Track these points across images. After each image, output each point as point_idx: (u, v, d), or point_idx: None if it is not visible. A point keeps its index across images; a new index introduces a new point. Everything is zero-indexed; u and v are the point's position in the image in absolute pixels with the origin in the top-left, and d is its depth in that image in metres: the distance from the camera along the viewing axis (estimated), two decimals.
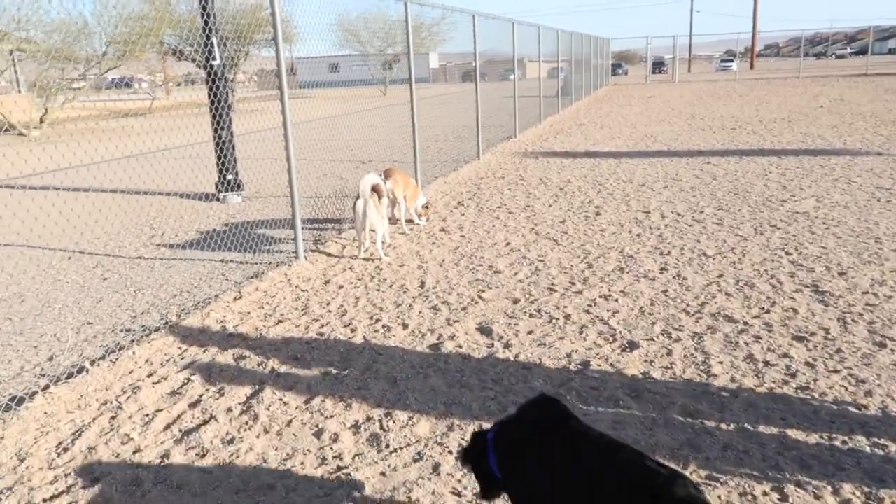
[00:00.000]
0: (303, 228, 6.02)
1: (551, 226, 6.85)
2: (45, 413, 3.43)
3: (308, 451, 3.02)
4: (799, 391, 3.34)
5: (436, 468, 2.84)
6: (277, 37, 5.54)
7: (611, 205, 7.65)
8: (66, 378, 3.74)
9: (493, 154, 12.35)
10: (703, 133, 13.86)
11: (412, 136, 8.56)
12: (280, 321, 4.60)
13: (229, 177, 8.81)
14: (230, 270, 5.82)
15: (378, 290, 5.14)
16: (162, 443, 3.14)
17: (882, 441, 2.88)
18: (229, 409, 3.42)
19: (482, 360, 3.84)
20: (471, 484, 2.70)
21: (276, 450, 3.04)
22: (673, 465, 2.78)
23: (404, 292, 5.08)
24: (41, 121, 19.94)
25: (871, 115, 15.50)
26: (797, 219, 6.60)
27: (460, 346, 4.03)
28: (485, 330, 4.27)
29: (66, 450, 3.12)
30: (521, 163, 11.22)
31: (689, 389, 3.40)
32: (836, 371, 3.52)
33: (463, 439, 3.04)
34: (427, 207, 7.25)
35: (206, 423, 3.30)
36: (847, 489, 2.59)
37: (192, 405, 3.48)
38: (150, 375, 3.85)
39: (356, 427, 3.20)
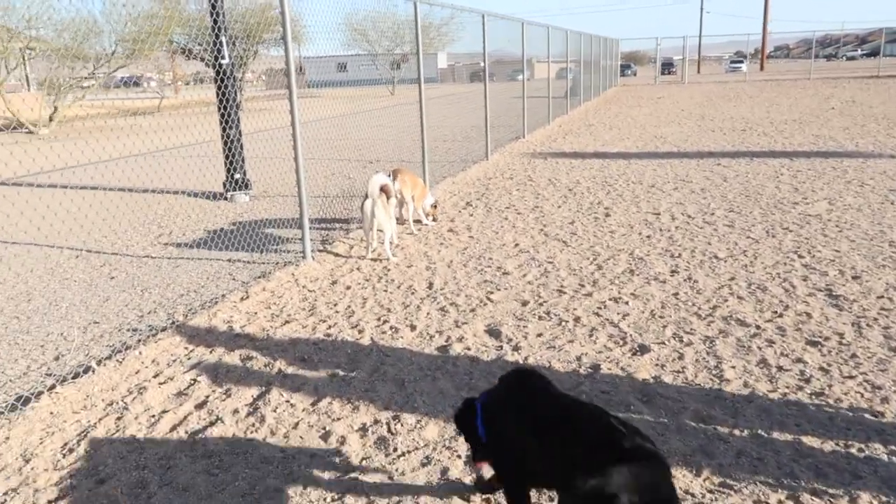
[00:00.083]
0: (310, 228, 5.99)
1: (560, 227, 6.80)
2: (51, 413, 3.40)
3: (315, 454, 2.98)
4: (813, 397, 3.28)
5: (444, 473, 2.81)
6: (287, 36, 5.51)
7: (620, 206, 7.59)
8: (73, 378, 3.71)
9: (502, 154, 12.30)
10: (713, 134, 13.77)
11: (420, 136, 8.52)
12: (287, 322, 4.57)
13: (237, 176, 8.80)
14: (237, 270, 5.80)
15: (386, 291, 5.11)
16: (168, 444, 3.11)
17: None
18: (236, 411, 3.39)
19: (491, 363, 3.79)
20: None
21: (282, 453, 3.00)
22: (684, 470, 2.73)
23: (412, 293, 5.04)
24: (50, 119, 20.01)
25: (884, 117, 15.37)
26: (809, 221, 6.53)
27: (469, 349, 3.99)
28: (493, 332, 4.23)
29: (71, 451, 3.09)
30: (529, 163, 11.17)
31: (701, 394, 3.35)
32: (852, 377, 3.46)
33: None
34: (435, 207, 7.22)
35: (212, 424, 3.27)
36: (864, 498, 2.53)
37: (199, 406, 3.45)
38: (156, 376, 3.82)
39: (363, 430, 3.16)
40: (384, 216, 5.77)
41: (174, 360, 4.01)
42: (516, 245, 6.20)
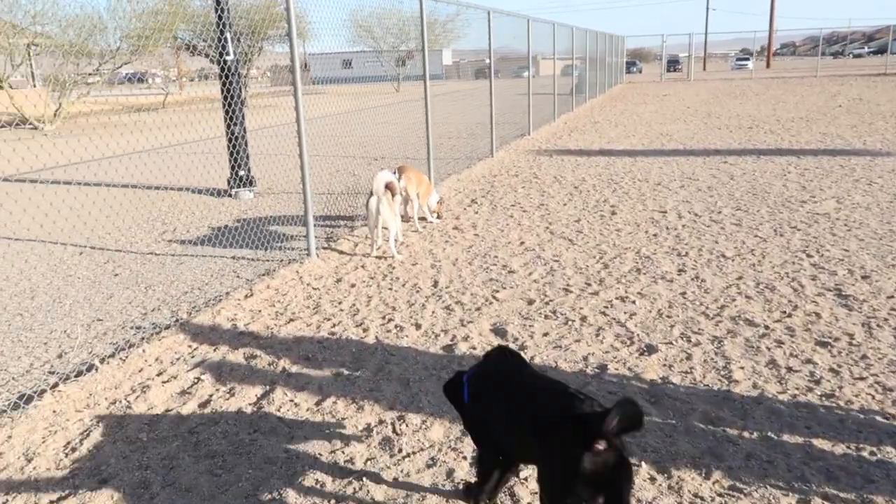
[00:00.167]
0: (315, 225, 5.96)
1: (566, 225, 6.75)
2: (54, 412, 3.38)
3: (319, 454, 2.95)
4: (824, 399, 3.24)
5: (450, 474, 2.77)
6: (292, 32, 5.48)
7: (626, 204, 7.54)
8: (76, 376, 3.69)
9: (507, 152, 12.25)
10: (719, 132, 13.70)
11: (426, 133, 8.48)
12: (291, 320, 4.54)
13: (241, 173, 8.77)
14: (241, 267, 5.77)
15: (391, 289, 5.07)
16: (171, 444, 3.08)
17: None
18: (240, 411, 3.36)
19: None
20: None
21: (286, 453, 2.97)
22: (693, 473, 2.69)
23: (417, 291, 5.00)
24: (55, 115, 20.02)
25: (892, 115, 15.27)
26: (818, 220, 6.47)
27: (474, 348, 3.96)
28: (499, 331, 4.19)
29: (74, 450, 3.07)
30: (535, 161, 11.12)
31: (709, 395, 3.31)
32: (862, 378, 3.41)
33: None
34: (440, 203, 7.18)
35: (215, 424, 3.24)
36: (877, 502, 2.49)
37: (202, 405, 3.43)
38: (159, 374, 3.80)
39: (368, 430, 3.13)
40: (389, 214, 5.74)
41: (178, 359, 3.99)
42: (522, 243, 6.16)
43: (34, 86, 25.60)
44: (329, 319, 4.52)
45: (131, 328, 4.52)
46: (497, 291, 4.92)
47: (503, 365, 2.45)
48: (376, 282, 5.27)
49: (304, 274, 5.49)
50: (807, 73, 40.52)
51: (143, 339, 4.24)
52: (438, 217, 7.19)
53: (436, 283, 5.16)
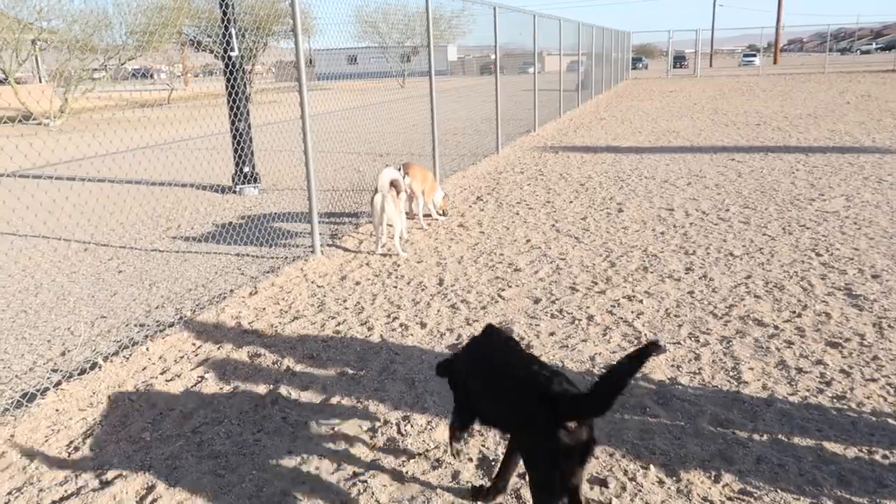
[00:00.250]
0: (319, 222, 5.93)
1: (572, 223, 6.71)
2: (57, 410, 3.36)
3: (323, 455, 2.92)
4: (835, 400, 3.19)
5: (455, 476, 2.74)
6: (297, 28, 5.44)
7: (633, 202, 7.49)
8: (79, 374, 3.67)
9: (513, 148, 12.20)
10: (726, 129, 13.61)
11: (431, 130, 8.43)
12: (296, 318, 4.51)
13: (246, 169, 8.74)
14: (246, 264, 5.75)
15: (395, 287, 5.04)
16: (174, 444, 3.05)
17: None
18: (243, 410, 3.33)
19: None
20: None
21: (290, 453, 2.94)
22: (702, 476, 2.65)
23: (422, 290, 4.97)
24: (61, 110, 20.03)
25: None
26: (827, 218, 6.41)
27: None
28: (505, 330, 4.14)
29: (76, 449, 3.04)
30: (540, 157, 11.06)
31: (718, 397, 3.27)
32: (874, 380, 3.37)
33: (483, 446, 2.94)
34: (445, 198, 7.13)
35: (219, 423, 3.21)
36: None
37: (206, 405, 3.40)
38: (163, 372, 3.77)
39: (373, 430, 3.10)
40: (394, 211, 5.70)
41: (181, 357, 3.96)
42: (528, 241, 6.12)
43: (40, 81, 25.64)
44: (334, 318, 4.49)
45: (135, 326, 4.50)
46: (503, 290, 4.88)
47: (487, 343, 2.61)
48: (381, 280, 5.24)
49: (308, 271, 5.46)
50: (814, 69, 40.28)
51: (146, 336, 4.21)
52: (443, 214, 7.16)
53: (441, 282, 5.12)
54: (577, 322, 4.23)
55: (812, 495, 2.54)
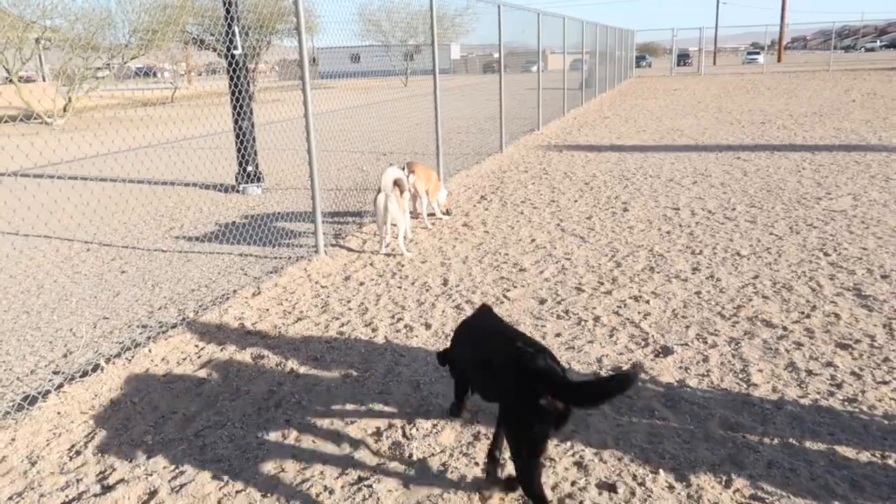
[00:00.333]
0: (323, 222, 5.89)
1: (577, 222, 6.66)
2: (58, 413, 3.33)
3: (327, 459, 2.88)
4: (846, 403, 3.15)
5: (461, 481, 2.70)
6: (300, 26, 5.40)
7: (638, 201, 7.44)
8: (81, 376, 3.64)
9: (517, 147, 12.15)
10: (731, 127, 13.54)
11: (434, 128, 8.39)
12: (299, 319, 4.48)
13: (249, 168, 8.71)
14: (249, 265, 5.71)
15: (400, 288, 5.00)
16: (177, 447, 3.02)
17: None
18: (247, 413, 3.29)
19: None
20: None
21: (294, 458, 2.91)
22: (713, 481, 2.61)
23: (427, 290, 4.93)
24: (64, 109, 20.03)
25: None
26: (834, 217, 6.35)
27: None
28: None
29: (78, 453, 3.01)
30: (544, 156, 11.01)
31: (727, 399, 3.23)
32: (885, 382, 3.32)
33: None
34: (449, 197, 7.08)
35: (222, 427, 3.17)
36: None
37: (209, 407, 3.36)
38: (165, 375, 3.74)
39: (378, 434, 3.06)
40: (398, 210, 5.66)
41: (184, 359, 3.93)
42: (532, 240, 6.07)
43: (43, 79, 25.65)
44: (337, 318, 4.45)
45: (138, 327, 4.46)
46: (508, 290, 4.84)
47: (479, 320, 2.91)
48: (385, 280, 5.20)
49: (312, 272, 5.42)
50: (819, 67, 40.13)
51: (149, 338, 4.18)
52: (447, 214, 7.12)
53: (445, 282, 5.08)
54: (583, 323, 4.19)
55: (824, 501, 2.50)
